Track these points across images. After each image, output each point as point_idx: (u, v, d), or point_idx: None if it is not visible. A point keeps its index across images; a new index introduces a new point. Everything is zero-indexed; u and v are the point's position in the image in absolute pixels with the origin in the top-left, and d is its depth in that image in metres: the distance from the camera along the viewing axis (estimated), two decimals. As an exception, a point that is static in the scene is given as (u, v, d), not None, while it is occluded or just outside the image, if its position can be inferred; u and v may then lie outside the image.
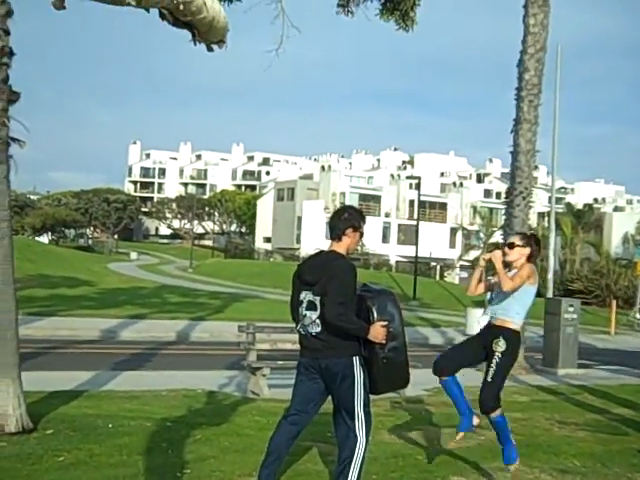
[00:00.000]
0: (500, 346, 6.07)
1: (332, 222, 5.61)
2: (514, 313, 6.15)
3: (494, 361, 6.08)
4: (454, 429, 8.63)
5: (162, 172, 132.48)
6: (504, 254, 6.23)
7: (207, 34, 8.00)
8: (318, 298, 5.35)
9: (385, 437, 8.20)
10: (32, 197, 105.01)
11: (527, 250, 6.25)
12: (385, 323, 5.34)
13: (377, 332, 5.30)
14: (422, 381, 12.46)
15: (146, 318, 23.35)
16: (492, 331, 6.18)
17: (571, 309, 16.27)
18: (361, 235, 5.69)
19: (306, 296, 5.44)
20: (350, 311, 5.28)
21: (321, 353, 5.40)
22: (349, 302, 5.29)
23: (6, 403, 7.31)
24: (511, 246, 6.24)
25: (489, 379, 6.09)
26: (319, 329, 5.37)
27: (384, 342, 5.34)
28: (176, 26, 7.79)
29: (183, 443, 7.30)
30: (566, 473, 7.03)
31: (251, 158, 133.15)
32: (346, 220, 5.56)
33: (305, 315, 5.43)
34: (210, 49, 8.24)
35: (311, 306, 5.39)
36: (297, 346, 11.79)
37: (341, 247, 5.54)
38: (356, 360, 5.38)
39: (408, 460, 7.15)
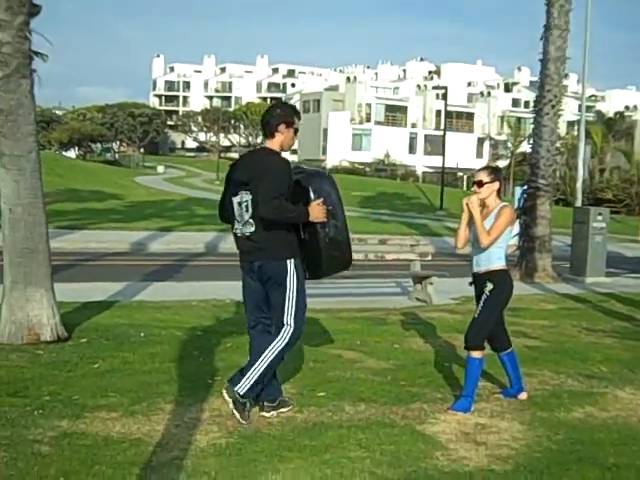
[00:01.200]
0: (487, 286, 5.94)
1: (264, 119, 5.41)
2: (496, 259, 5.98)
3: (483, 299, 5.94)
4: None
5: (187, 85, 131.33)
6: (475, 192, 6.02)
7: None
8: (251, 197, 5.19)
9: (413, 345, 8.30)
10: (58, 112, 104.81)
11: (496, 185, 6.00)
12: (322, 200, 5.22)
13: (317, 211, 5.19)
14: (449, 289, 12.62)
15: (174, 230, 23.54)
16: (480, 281, 6.02)
17: (600, 217, 16.15)
18: (295, 131, 5.45)
19: (242, 196, 5.26)
20: (287, 202, 5.12)
21: (254, 255, 5.29)
22: (285, 195, 5.12)
23: (40, 313, 7.47)
24: (480, 184, 5.99)
25: (476, 316, 5.95)
26: (253, 229, 5.23)
27: (325, 220, 5.24)
28: None
29: (214, 351, 7.44)
30: (592, 378, 7.10)
31: (276, 70, 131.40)
32: (278, 116, 5.37)
33: (241, 216, 5.28)
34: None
35: (246, 206, 5.24)
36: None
37: (274, 144, 5.36)
38: (290, 263, 5.26)
39: (436, 367, 7.24)
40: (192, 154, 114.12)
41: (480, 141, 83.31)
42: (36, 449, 4.61)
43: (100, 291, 11.22)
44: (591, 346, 8.71)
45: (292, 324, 5.34)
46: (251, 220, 5.21)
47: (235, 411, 5.22)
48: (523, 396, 6.29)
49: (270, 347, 5.29)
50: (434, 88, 76.62)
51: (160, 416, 5.38)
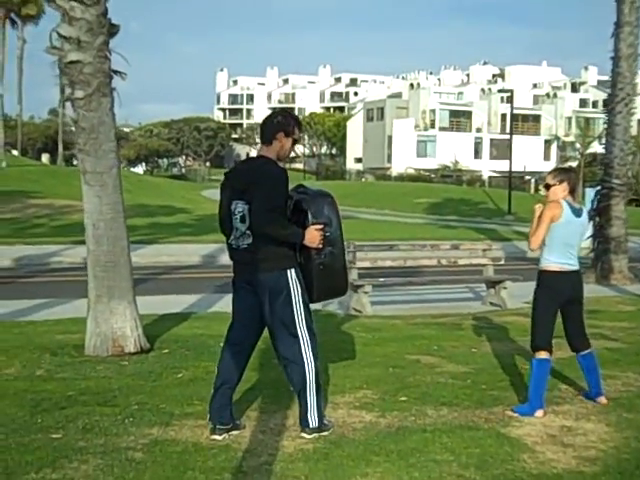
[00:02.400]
0: (534, 290, 6.04)
1: (263, 125, 5.25)
2: (543, 260, 5.98)
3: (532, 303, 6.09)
4: (557, 339, 8.68)
5: (250, 98, 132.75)
6: (546, 196, 6.04)
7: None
8: (247, 207, 4.98)
9: (490, 349, 8.27)
10: (125, 129, 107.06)
11: (564, 186, 5.91)
12: (320, 227, 5.02)
13: (312, 236, 4.98)
14: (522, 294, 12.42)
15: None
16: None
17: (677, 217, 15.78)
18: (294, 141, 5.25)
19: (236, 206, 5.05)
20: (282, 217, 4.95)
21: (252, 267, 5.05)
22: (280, 209, 4.94)
23: (124, 325, 7.67)
24: (547, 187, 6.00)
25: (531, 319, 6.07)
26: (250, 240, 5.01)
27: (320, 247, 5.04)
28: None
29: (293, 359, 7.51)
30: (678, 380, 6.97)
31: (338, 79, 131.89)
32: (278, 124, 5.18)
33: (237, 228, 5.08)
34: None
35: (242, 216, 5.03)
36: (398, 262, 11.98)
37: (271, 152, 5.16)
38: (291, 273, 5.05)
39: (515, 370, 7.20)
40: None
41: (547, 143, 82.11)
42: (130, 456, 4.75)
43: (176, 303, 11.44)
44: (674, 347, 8.53)
45: (307, 335, 5.14)
46: (248, 231, 5.01)
47: (322, 433, 5.20)
48: (602, 400, 6.16)
49: (305, 370, 5.11)
50: (499, 91, 75.74)
51: (246, 423, 5.47)
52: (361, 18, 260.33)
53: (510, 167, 44.50)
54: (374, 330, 9.34)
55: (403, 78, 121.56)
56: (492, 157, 79.29)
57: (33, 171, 51.69)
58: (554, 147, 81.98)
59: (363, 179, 78.43)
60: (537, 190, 71.40)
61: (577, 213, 5.93)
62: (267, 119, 5.30)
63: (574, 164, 70.91)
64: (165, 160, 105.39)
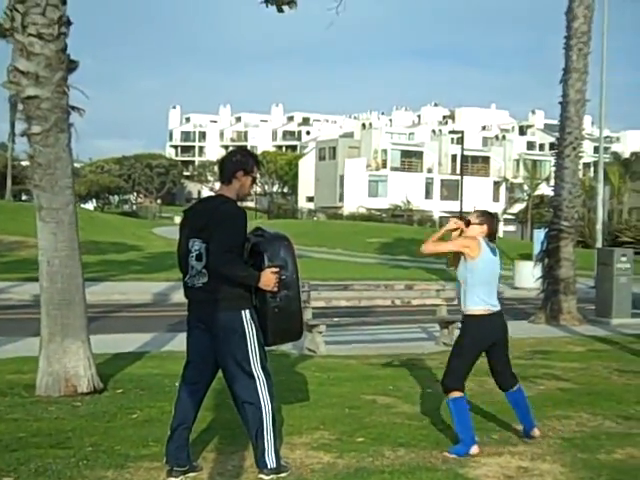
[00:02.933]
0: (459, 335, 6.14)
1: (222, 164, 5.26)
2: (468, 303, 5.98)
3: (454, 342, 6.23)
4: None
5: (202, 135, 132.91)
6: (461, 232, 6.11)
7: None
8: (204, 245, 4.97)
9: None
10: (76, 165, 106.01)
11: (484, 228, 6.03)
12: (276, 270, 4.99)
13: (268, 279, 4.95)
14: (476, 334, 12.59)
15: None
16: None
17: (624, 259, 16.14)
18: (253, 180, 5.25)
19: (193, 244, 5.05)
20: (239, 258, 4.95)
21: (207, 305, 5.03)
22: (238, 249, 4.95)
23: (77, 364, 7.55)
24: (467, 224, 6.08)
25: (449, 357, 6.15)
26: (205, 279, 4.99)
27: (276, 290, 5.01)
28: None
29: (249, 399, 7.46)
30: (630, 420, 7.09)
31: (291, 118, 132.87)
32: (237, 162, 5.17)
33: (192, 266, 5.06)
34: (281, 10, 8.28)
35: (198, 255, 5.02)
36: (352, 302, 12.01)
37: (230, 191, 5.14)
38: (245, 314, 5.02)
39: (472, 410, 7.18)
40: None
41: (496, 185, 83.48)
42: (85, 499, 4.66)
43: (129, 342, 11.29)
44: (624, 387, 8.69)
45: (262, 376, 5.08)
46: (204, 270, 4.99)
47: (280, 475, 5.13)
48: (536, 432, 6.21)
49: (262, 411, 5.06)
50: (450, 132, 76.99)
51: (203, 464, 5.41)
52: (315, 56, 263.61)
53: (460, 207, 45.02)
54: (329, 370, 9.33)
55: (355, 118, 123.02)
56: (443, 197, 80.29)
57: (-20, 206, 50.82)
58: (503, 188, 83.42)
59: (315, 218, 78.67)
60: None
61: (494, 252, 6.03)
62: (226, 158, 5.29)
63: (522, 205, 72.28)
64: (116, 197, 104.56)
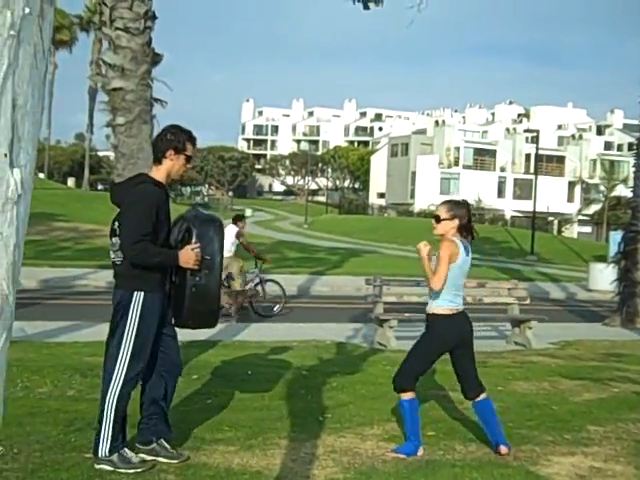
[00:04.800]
0: (423, 331, 5.80)
1: (154, 143, 5.16)
2: (434, 302, 5.68)
3: (416, 343, 5.82)
4: (584, 381, 8.68)
5: (275, 129, 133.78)
6: (433, 228, 5.70)
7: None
8: (118, 223, 4.98)
9: (517, 387, 8.26)
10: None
11: (455, 222, 5.61)
12: (197, 246, 4.86)
13: (188, 256, 4.83)
14: (548, 334, 12.49)
15: (267, 273, 23.87)
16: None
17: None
18: (187, 159, 5.09)
19: (115, 222, 5.03)
20: (149, 245, 4.81)
21: (116, 282, 5.04)
22: (147, 233, 4.80)
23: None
24: (437, 219, 5.66)
25: (406, 357, 5.79)
26: (121, 256, 4.93)
27: (196, 268, 4.86)
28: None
29: (320, 390, 7.57)
30: None
31: (363, 114, 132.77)
32: (168, 141, 5.00)
33: (112, 242, 5.03)
34: (367, 7, 8.32)
35: (113, 230, 5.01)
36: (424, 299, 11.99)
37: (160, 171, 5.03)
38: (137, 296, 4.89)
39: (543, 410, 7.20)
40: (279, 197, 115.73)
41: (571, 185, 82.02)
42: (163, 478, 4.81)
43: (203, 331, 11.44)
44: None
45: (124, 364, 4.92)
46: (119, 246, 4.96)
47: (120, 470, 4.86)
48: (502, 450, 5.65)
49: (107, 395, 4.95)
50: (524, 131, 75.88)
51: (276, 450, 5.52)
52: (389, 53, 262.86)
53: (534, 207, 44.47)
54: (399, 364, 9.34)
55: (428, 115, 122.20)
56: (515, 197, 79.28)
57: (59, 194, 52.23)
58: (578, 189, 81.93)
59: (386, 214, 78.55)
60: (560, 231, 71.25)
61: (467, 251, 5.68)
62: (157, 136, 5.19)
63: (598, 207, 70.83)
64: (188, 188, 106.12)
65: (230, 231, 13.81)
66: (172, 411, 6.45)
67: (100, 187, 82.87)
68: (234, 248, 14.44)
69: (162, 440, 5.16)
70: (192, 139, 5.12)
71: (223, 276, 12.64)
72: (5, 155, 1.24)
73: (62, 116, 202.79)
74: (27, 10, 1.28)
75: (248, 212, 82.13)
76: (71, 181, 79.98)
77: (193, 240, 4.89)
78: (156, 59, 7.89)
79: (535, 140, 48.54)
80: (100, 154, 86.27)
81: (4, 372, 1.31)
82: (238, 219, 14.81)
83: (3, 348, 1.29)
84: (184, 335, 10.23)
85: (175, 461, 5.07)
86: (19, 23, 1.26)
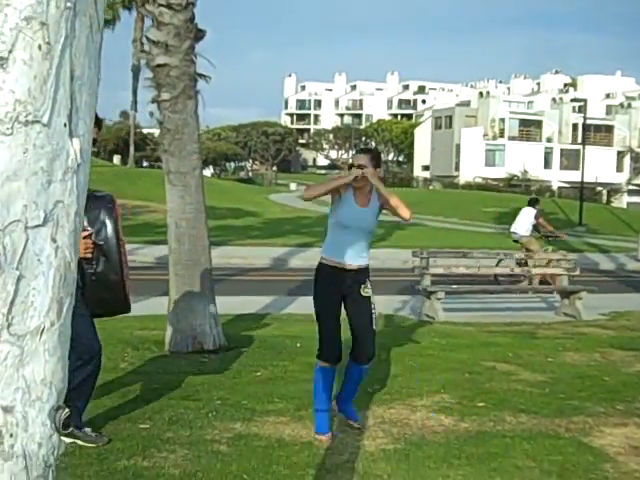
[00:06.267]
0: (369, 291, 5.36)
1: None
2: (369, 252, 5.49)
3: (373, 307, 5.37)
4: (636, 352, 8.57)
5: (318, 104, 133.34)
6: (355, 179, 5.29)
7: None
8: None
9: (567, 359, 8.20)
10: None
11: (377, 171, 5.39)
12: (87, 233, 4.58)
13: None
14: (597, 305, 12.33)
15: (312, 246, 23.91)
16: (356, 276, 5.33)
17: None
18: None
19: None
20: None
21: None
22: None
23: (204, 323, 7.83)
24: (362, 169, 5.27)
25: (374, 327, 5.38)
26: None
27: (89, 257, 4.62)
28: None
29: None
30: None
31: (406, 87, 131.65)
32: None
33: None
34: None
35: None
36: (471, 270, 11.93)
37: None
38: None
39: (595, 380, 7.13)
40: (323, 172, 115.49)
41: (620, 154, 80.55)
42: (215, 448, 4.88)
43: (251, 304, 11.59)
44: None
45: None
46: None
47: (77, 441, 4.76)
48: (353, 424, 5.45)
49: None
50: (571, 101, 74.58)
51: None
52: (429, 26, 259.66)
53: (582, 178, 43.81)
54: (448, 336, 9.34)
55: (472, 86, 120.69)
56: (562, 167, 78.12)
57: (105, 172, 52.74)
58: (627, 159, 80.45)
59: (430, 187, 78.06)
60: (609, 202, 70.13)
61: None
62: None
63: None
64: (232, 164, 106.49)
65: (529, 213, 15.42)
66: (221, 383, 6.55)
67: (145, 164, 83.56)
68: (532, 228, 15.50)
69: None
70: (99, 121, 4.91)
71: (521, 255, 13.15)
72: (65, 125, 1.26)
73: (106, 95, 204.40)
74: (82, -19, 1.28)
75: (292, 186, 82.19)
76: (117, 159, 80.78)
77: (85, 226, 4.58)
78: (199, 35, 7.88)
79: (582, 109, 47.71)
80: (144, 131, 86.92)
81: (69, 337, 1.33)
82: (535, 202, 16.16)
83: (68, 313, 1.31)
84: (231, 309, 10.37)
85: (93, 445, 4.81)
86: (75, -5, 1.26)
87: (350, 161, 5.47)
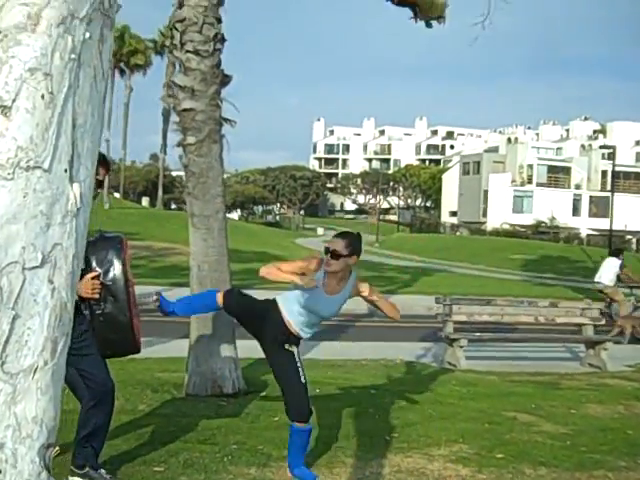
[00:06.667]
0: (298, 352, 5.30)
1: None
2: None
3: (299, 362, 5.26)
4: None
5: (346, 148, 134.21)
6: (327, 264, 5.11)
7: (428, 10, 8.09)
8: None
9: (590, 411, 8.07)
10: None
11: (353, 259, 5.12)
12: (95, 274, 4.62)
13: (85, 286, 4.56)
14: (624, 356, 12.18)
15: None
16: (292, 337, 5.27)
17: None
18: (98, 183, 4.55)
19: None
20: None
21: None
22: None
23: (224, 366, 7.83)
24: (335, 256, 5.06)
25: (303, 380, 5.21)
26: None
27: (97, 297, 4.64)
28: (400, 5, 7.93)
29: (388, 409, 7.52)
30: None
31: (435, 132, 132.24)
32: None
33: None
34: (429, 25, 8.32)
35: None
36: (495, 318, 11.85)
37: None
38: None
39: (617, 434, 7.01)
40: (351, 216, 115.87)
41: (650, 203, 79.98)
42: (230, 493, 4.85)
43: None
44: None
45: None
46: None
47: None
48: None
49: None
50: (600, 147, 74.36)
51: (342, 469, 5.51)
52: (460, 70, 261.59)
53: (610, 226, 43.49)
54: (469, 384, 9.26)
55: (500, 132, 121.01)
56: (591, 215, 77.71)
57: (134, 213, 53.37)
58: (657, 206, 79.84)
59: (458, 233, 77.91)
60: (639, 250, 69.48)
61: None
62: None
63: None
64: (260, 207, 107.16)
65: (613, 263, 15.93)
66: (238, 427, 6.53)
67: (173, 206, 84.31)
68: (615, 278, 15.96)
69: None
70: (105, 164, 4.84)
71: (604, 305, 13.82)
72: (65, 171, 1.29)
73: (137, 138, 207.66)
74: (87, 35, 1.32)
75: (320, 231, 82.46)
76: (145, 200, 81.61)
77: (93, 267, 4.66)
78: (225, 80, 8.00)
79: (612, 156, 47.56)
80: (173, 174, 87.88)
81: (62, 376, 1.35)
82: (619, 252, 16.73)
83: (62, 353, 1.33)
84: (253, 352, 10.34)
85: None
86: (79, 47, 1.30)
87: (327, 244, 5.23)
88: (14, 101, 1.24)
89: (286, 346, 5.26)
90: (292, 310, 5.22)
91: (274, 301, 5.35)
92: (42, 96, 1.26)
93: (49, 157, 1.27)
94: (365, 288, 5.19)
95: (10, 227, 1.23)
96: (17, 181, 1.24)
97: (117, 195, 73.83)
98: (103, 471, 4.88)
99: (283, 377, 5.28)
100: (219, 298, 5.45)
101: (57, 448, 1.29)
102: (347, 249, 5.06)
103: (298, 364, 5.24)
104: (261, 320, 5.32)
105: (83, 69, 1.32)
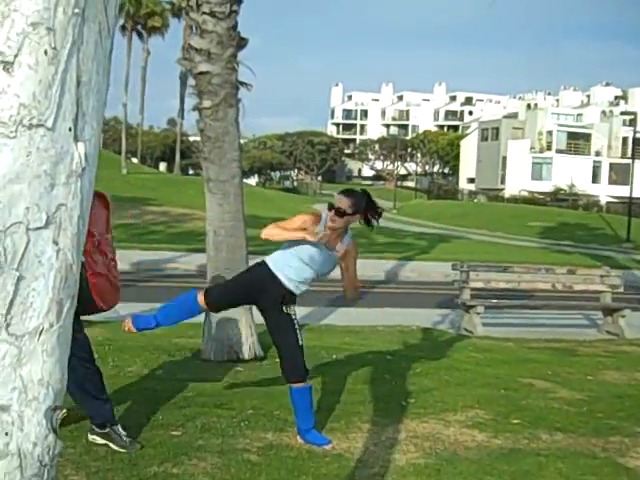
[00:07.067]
0: (295, 313, 5.30)
1: None
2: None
3: (297, 325, 5.28)
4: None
5: (364, 114, 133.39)
6: (332, 220, 5.08)
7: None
8: None
9: (607, 377, 8.05)
10: (240, 141, 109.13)
11: (356, 218, 5.11)
12: None
13: None
14: (641, 323, 12.11)
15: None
16: (290, 295, 5.25)
17: None
18: None
19: None
20: None
21: None
22: None
23: (240, 332, 7.85)
24: (340, 213, 5.04)
25: (301, 342, 5.27)
26: None
27: None
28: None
29: (404, 375, 7.52)
30: None
31: (453, 98, 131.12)
32: None
33: None
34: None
35: None
36: (512, 284, 11.80)
37: None
38: None
39: (634, 400, 6.98)
40: (368, 182, 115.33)
41: (671, 169, 79.15)
42: (245, 457, 4.86)
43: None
44: None
45: None
46: None
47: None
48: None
49: None
50: (621, 114, 73.47)
51: (358, 434, 5.52)
52: (478, 37, 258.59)
53: (630, 193, 43.17)
54: (485, 351, 9.24)
55: (520, 98, 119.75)
56: (611, 182, 77.07)
57: (151, 179, 53.46)
58: (678, 173, 79.01)
59: (475, 200, 77.55)
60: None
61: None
62: None
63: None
64: (277, 173, 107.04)
65: None
66: (255, 393, 6.55)
67: (191, 172, 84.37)
68: None
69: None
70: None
71: None
72: (70, 129, 1.26)
73: (155, 102, 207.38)
74: (92, -13, 1.28)
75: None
76: (163, 166, 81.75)
77: None
78: (242, 43, 7.92)
79: (633, 123, 47.02)
80: (191, 139, 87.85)
81: (69, 339, 1.33)
82: None
83: (68, 315, 1.31)
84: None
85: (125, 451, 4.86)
86: (83, 2, 1.26)
87: (336, 198, 5.18)
88: (16, 56, 1.20)
89: (284, 308, 5.24)
90: (286, 267, 5.19)
91: (264, 263, 5.32)
92: (45, 52, 1.22)
93: (53, 115, 1.24)
94: (342, 249, 5.09)
95: (13, 187, 1.20)
96: (20, 139, 1.21)
97: (135, 160, 73.92)
98: (122, 430, 4.91)
99: (281, 340, 5.30)
100: (200, 299, 5.41)
101: (64, 410, 1.28)
102: (352, 208, 5.06)
103: (296, 327, 5.29)
104: (255, 290, 5.29)
105: (87, 24, 1.28)
